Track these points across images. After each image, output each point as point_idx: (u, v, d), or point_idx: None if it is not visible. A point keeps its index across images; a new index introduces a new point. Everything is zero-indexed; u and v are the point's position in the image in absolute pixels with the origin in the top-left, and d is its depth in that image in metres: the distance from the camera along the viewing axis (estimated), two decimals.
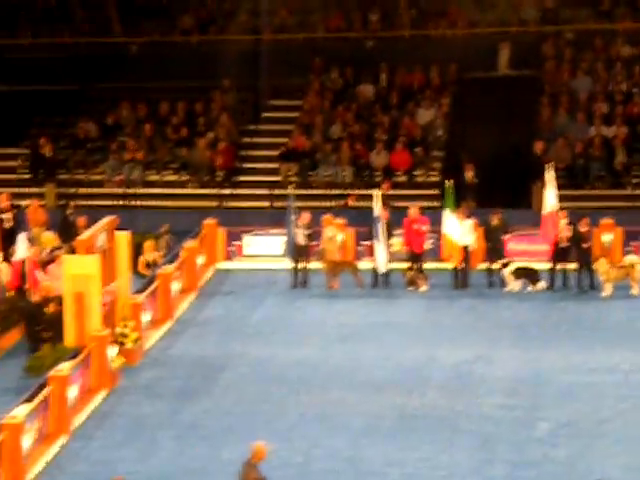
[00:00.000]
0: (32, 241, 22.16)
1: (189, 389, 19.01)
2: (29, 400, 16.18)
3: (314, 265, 24.52)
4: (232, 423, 17.56)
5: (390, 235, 24.43)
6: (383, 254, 23.89)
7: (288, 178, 28.84)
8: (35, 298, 20.18)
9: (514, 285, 23.72)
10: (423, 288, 24.09)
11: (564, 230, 23.87)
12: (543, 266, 24.14)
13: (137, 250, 24.16)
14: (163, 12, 32.08)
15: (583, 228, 23.91)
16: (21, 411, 15.65)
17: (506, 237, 24.81)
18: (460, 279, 24.19)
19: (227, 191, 29.08)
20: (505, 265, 23.92)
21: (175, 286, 23.18)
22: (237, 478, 13.44)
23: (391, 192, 27.23)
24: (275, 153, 29.49)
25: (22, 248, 20.96)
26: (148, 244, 24.86)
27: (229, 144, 29.49)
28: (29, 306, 20.21)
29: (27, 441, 15.64)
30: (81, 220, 23.75)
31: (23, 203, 25.91)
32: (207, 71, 30.03)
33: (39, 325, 19.70)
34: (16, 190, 27.63)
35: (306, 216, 24.63)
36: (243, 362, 20.17)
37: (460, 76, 30.52)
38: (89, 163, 29.46)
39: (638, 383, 18.88)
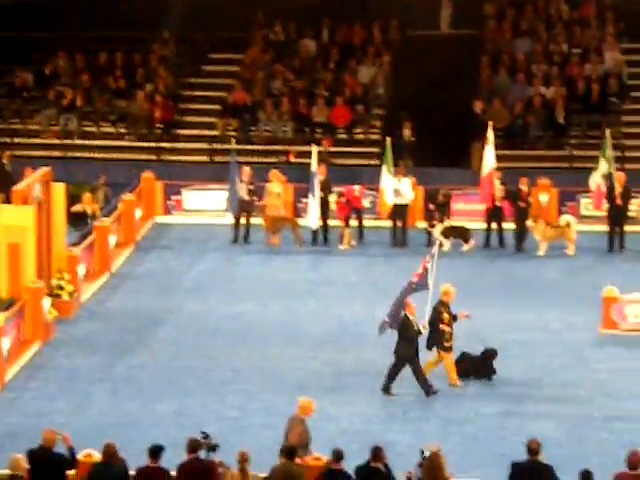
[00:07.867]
0: None
1: (125, 343, 18.93)
2: None
3: (256, 220, 24.46)
4: (168, 377, 17.54)
5: (329, 192, 24.44)
6: (316, 210, 23.90)
7: (227, 133, 28.62)
8: None
9: (445, 244, 23.65)
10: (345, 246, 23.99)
11: (498, 190, 24.11)
12: (480, 225, 24.37)
13: (73, 201, 23.88)
14: None
15: (521, 187, 24.13)
16: None
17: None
18: (398, 237, 24.31)
19: (166, 144, 28.80)
20: (432, 226, 24.00)
21: (112, 239, 23.01)
22: (283, 432, 13.38)
23: (332, 149, 27.17)
24: (215, 107, 29.24)
25: None
26: (86, 196, 24.59)
27: (168, 97, 29.17)
28: None
29: None
30: (28, 171, 23.19)
31: None
32: (147, 22, 29.59)
33: None
34: None
35: (247, 170, 24.55)
36: (180, 316, 20.12)
37: (402, 34, 30.44)
38: (25, 112, 28.97)
39: (569, 342, 19.17)
